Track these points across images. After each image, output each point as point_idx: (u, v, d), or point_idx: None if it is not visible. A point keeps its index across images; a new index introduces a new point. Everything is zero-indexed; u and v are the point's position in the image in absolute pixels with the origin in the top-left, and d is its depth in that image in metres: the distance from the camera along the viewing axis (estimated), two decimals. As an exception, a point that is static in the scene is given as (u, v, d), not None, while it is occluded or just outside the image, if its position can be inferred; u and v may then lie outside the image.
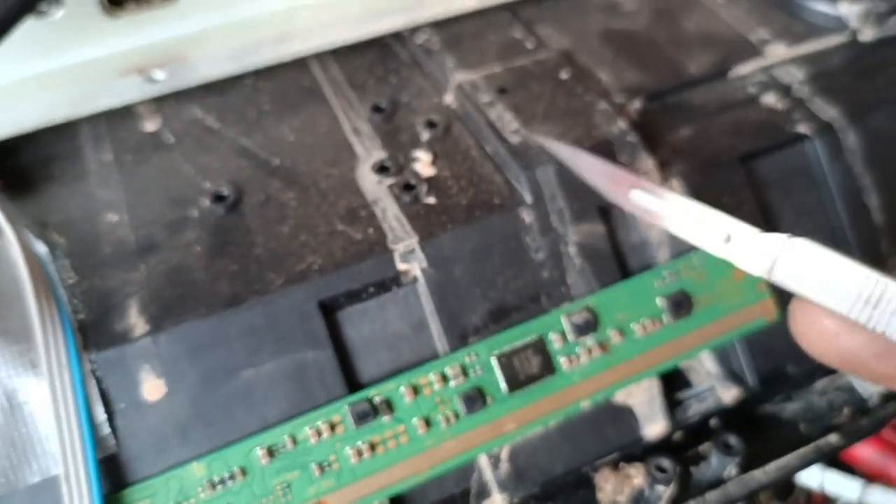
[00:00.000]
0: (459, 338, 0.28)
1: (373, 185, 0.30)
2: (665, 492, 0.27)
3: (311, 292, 0.27)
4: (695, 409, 0.30)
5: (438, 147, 0.31)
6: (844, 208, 0.32)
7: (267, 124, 0.33)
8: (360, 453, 0.26)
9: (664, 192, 0.24)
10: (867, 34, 0.36)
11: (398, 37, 0.37)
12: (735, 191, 0.31)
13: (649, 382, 0.29)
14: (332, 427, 0.26)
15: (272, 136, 0.32)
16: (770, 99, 0.34)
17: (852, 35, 0.36)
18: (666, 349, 0.29)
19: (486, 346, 0.28)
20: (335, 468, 0.26)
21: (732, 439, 0.29)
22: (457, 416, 0.27)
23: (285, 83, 0.35)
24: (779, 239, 0.21)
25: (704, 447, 0.29)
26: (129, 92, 0.34)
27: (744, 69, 0.35)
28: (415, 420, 0.27)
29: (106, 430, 0.25)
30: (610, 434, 0.28)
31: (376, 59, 0.36)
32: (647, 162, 0.30)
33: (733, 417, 0.30)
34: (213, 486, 0.25)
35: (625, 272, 0.29)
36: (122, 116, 0.34)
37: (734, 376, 0.30)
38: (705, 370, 0.30)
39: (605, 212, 0.30)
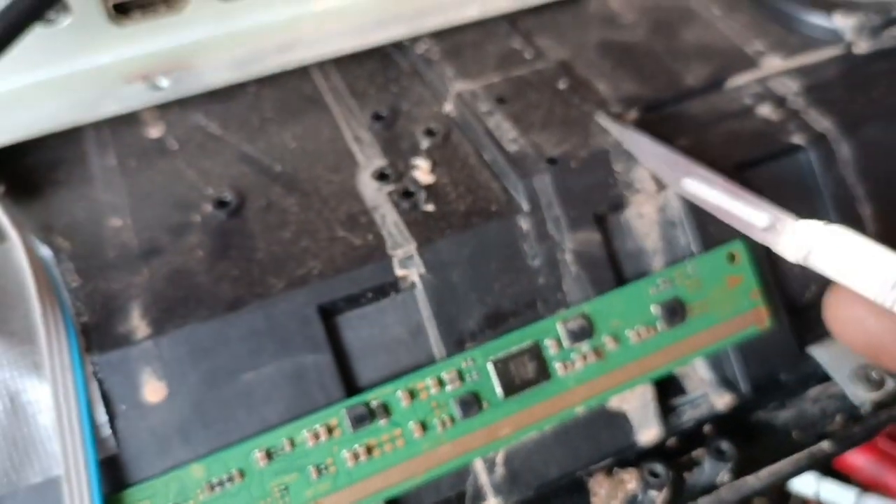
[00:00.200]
0: (456, 343, 0.28)
1: (373, 192, 0.31)
2: (658, 497, 0.28)
3: (311, 296, 0.27)
4: (688, 415, 0.30)
5: (437, 155, 0.32)
6: (838, 217, 0.32)
7: (269, 131, 0.33)
8: (356, 456, 0.26)
9: (716, 178, 0.25)
10: (862, 47, 0.37)
11: (399, 46, 0.37)
12: None
13: (643, 388, 0.29)
14: (330, 430, 0.26)
15: (274, 143, 0.33)
16: (765, 110, 0.34)
17: (847, 48, 0.37)
18: (660, 356, 0.29)
19: (483, 351, 0.28)
20: (332, 471, 0.26)
21: (725, 445, 0.29)
22: (453, 420, 0.27)
23: (287, 91, 0.35)
24: (816, 226, 0.22)
25: (698, 453, 0.30)
26: (133, 99, 0.34)
27: (740, 80, 0.35)
28: (411, 424, 0.27)
29: (107, 431, 0.26)
30: (604, 439, 0.29)
31: (377, 68, 0.36)
32: (642, 172, 0.31)
33: (726, 424, 0.30)
34: (212, 487, 0.26)
35: (620, 279, 0.30)
36: (126, 122, 0.34)
37: (727, 383, 0.30)
38: (699, 377, 0.30)
39: (601, 220, 0.30)
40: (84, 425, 0.25)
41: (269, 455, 0.26)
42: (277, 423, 0.26)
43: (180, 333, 0.26)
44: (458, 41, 0.37)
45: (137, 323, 0.27)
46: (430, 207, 0.30)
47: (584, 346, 0.29)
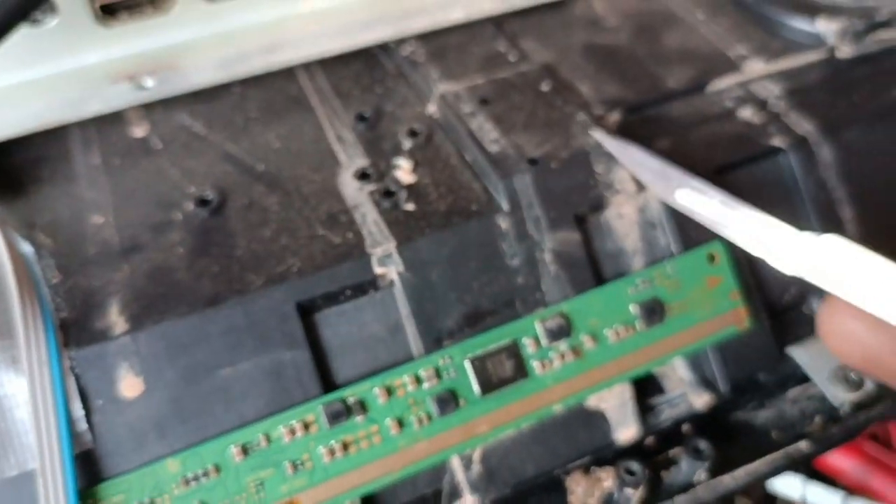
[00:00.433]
0: (434, 341, 0.28)
1: (354, 192, 0.31)
2: (634, 495, 0.28)
3: (290, 293, 0.27)
4: (667, 414, 0.30)
5: (419, 155, 0.32)
6: (818, 220, 0.32)
7: (253, 131, 0.34)
8: (332, 452, 0.26)
9: (710, 190, 0.25)
10: (845, 51, 0.37)
11: (385, 48, 0.37)
12: None
13: (622, 387, 0.29)
14: (306, 426, 0.26)
15: (258, 143, 0.33)
16: (746, 113, 0.34)
17: (830, 52, 0.37)
18: (638, 355, 0.29)
19: (460, 349, 0.28)
20: (308, 467, 0.26)
21: (703, 444, 0.29)
22: (430, 417, 0.27)
23: (272, 91, 0.36)
24: (811, 237, 0.22)
25: (675, 452, 0.30)
26: (118, 98, 0.34)
27: (721, 84, 0.36)
28: (388, 421, 0.27)
29: (83, 425, 0.26)
30: (582, 438, 0.29)
31: (362, 69, 0.37)
32: (623, 173, 0.31)
33: (705, 424, 0.30)
34: (187, 482, 0.26)
35: (599, 279, 0.30)
36: (111, 122, 0.35)
37: (706, 383, 0.30)
38: (678, 376, 0.30)
39: (581, 220, 0.30)
40: (60, 419, 0.25)
41: (245, 450, 0.26)
42: (254, 418, 0.26)
43: (158, 329, 0.26)
44: (443, 43, 0.37)
45: (116, 319, 0.27)
46: (410, 207, 0.30)
47: (563, 345, 0.29)
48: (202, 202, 0.30)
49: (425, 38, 0.37)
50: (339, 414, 0.27)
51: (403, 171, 0.31)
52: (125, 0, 0.35)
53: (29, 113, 0.33)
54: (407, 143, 0.32)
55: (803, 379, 0.32)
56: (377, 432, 0.27)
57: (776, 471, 0.29)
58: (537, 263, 0.29)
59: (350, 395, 0.27)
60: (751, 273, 0.31)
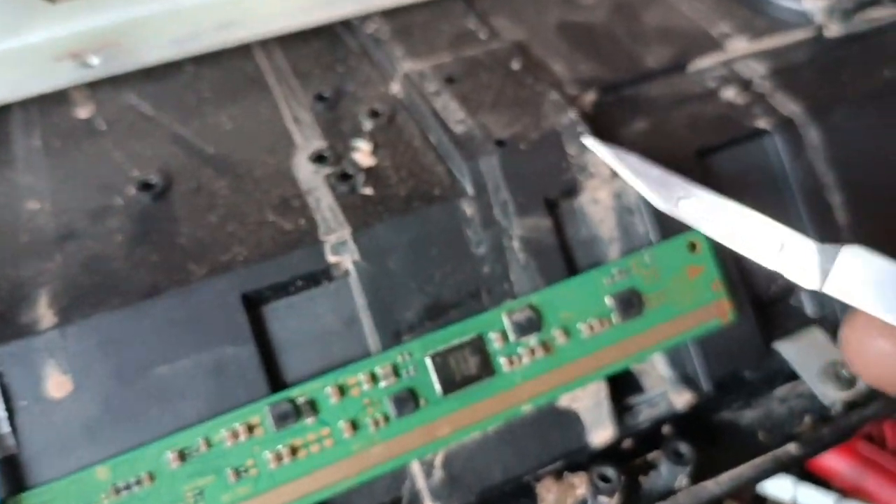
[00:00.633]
0: (392, 335, 0.26)
1: (309, 175, 0.29)
2: (609, 503, 0.26)
3: (235, 284, 0.25)
4: (645, 414, 0.28)
5: (380, 137, 0.30)
6: (806, 207, 0.31)
7: (205, 112, 0.32)
8: (279, 458, 0.24)
9: (717, 199, 0.23)
10: (833, 30, 0.35)
11: (347, 25, 0.35)
12: None
13: (596, 386, 0.27)
14: (251, 429, 0.24)
15: (209, 124, 0.31)
16: (730, 93, 0.32)
17: (817, 31, 0.35)
18: (614, 351, 0.27)
19: (421, 344, 0.26)
20: (252, 473, 0.24)
21: (683, 447, 0.27)
22: (386, 418, 0.25)
23: (227, 70, 0.33)
24: (833, 248, 0.21)
25: (654, 455, 0.28)
26: (62, 77, 0.32)
27: (703, 63, 0.34)
28: (341, 423, 0.25)
29: (6, 428, 0.24)
30: (553, 440, 0.27)
31: (324, 47, 0.35)
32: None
33: (686, 424, 0.29)
34: (118, 491, 0.23)
35: (572, 269, 0.28)
36: (55, 102, 0.32)
37: (687, 380, 0.29)
38: (657, 374, 0.29)
39: (552, 205, 0.28)
40: (-23, 422, 0.22)
41: (183, 456, 0.24)
42: (193, 421, 0.24)
43: (89, 323, 0.24)
44: (409, 20, 0.35)
45: (44, 312, 0.25)
46: (368, 191, 0.28)
47: (532, 340, 0.27)
48: (145, 186, 0.28)
49: (390, 14, 0.35)
50: (287, 415, 0.25)
51: (362, 153, 0.29)
52: (69, -27, 0.33)
53: (-34, 93, 0.31)
54: (367, 124, 0.30)
55: (792, 376, 0.30)
56: (329, 435, 0.25)
57: (763, 475, 0.27)
58: (505, 251, 0.27)
59: (299, 394, 0.25)
60: (735, 262, 0.29)
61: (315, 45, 0.35)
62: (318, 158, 0.29)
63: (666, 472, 0.27)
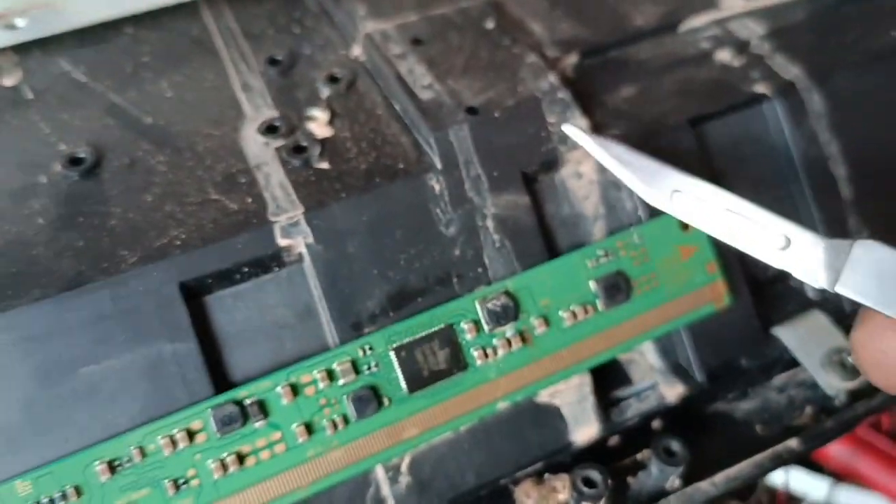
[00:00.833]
0: (352, 327, 0.24)
1: (258, 148, 0.26)
2: (594, 509, 0.23)
3: (171, 272, 0.23)
4: (634, 409, 0.26)
5: (339, 105, 0.27)
6: (808, 179, 0.29)
7: (144, 79, 0.29)
8: (225, 467, 0.22)
9: (717, 192, 0.22)
10: (836, -14, 0.32)
11: (305, -18, 0.32)
12: (683, 158, 0.27)
13: (579, 379, 0.25)
14: (192, 435, 0.22)
15: (148, 92, 0.28)
16: (725, 55, 0.30)
17: (819, -14, 0.32)
18: (599, 340, 0.25)
19: (384, 336, 0.24)
20: (194, 485, 0.22)
21: (675, 445, 0.25)
22: (346, 420, 0.23)
23: (170, 32, 0.30)
24: (845, 244, 0.20)
25: (644, 454, 0.26)
26: (-17, 41, 0.29)
27: (696, 22, 0.31)
28: (294, 426, 0.23)
29: None
30: (532, 439, 0.25)
31: (278, 6, 0.31)
32: (581, 123, 0.26)
33: (678, 419, 0.27)
34: (39, 508, 0.21)
35: (552, 251, 0.26)
36: (-23, 70, 0.29)
37: (679, 371, 0.27)
38: (646, 364, 0.27)
39: (531, 180, 0.26)
40: None
41: (113, 467, 0.22)
42: (126, 427, 0.22)
43: (5, 318, 0.22)
44: (374, -23, 0.32)
45: (-48, 306, 0.22)
46: (324, 165, 0.25)
47: (508, 330, 0.25)
48: (73, 162, 0.26)
49: (352, -30, 0.32)
50: (233, 419, 0.22)
51: (318, 123, 0.26)
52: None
53: None
54: (325, 91, 0.28)
55: (791, 363, 0.28)
56: (280, 440, 0.23)
57: (762, 473, 0.25)
58: (477, 232, 0.25)
59: (247, 395, 0.23)
60: (731, 241, 0.27)
61: (268, 4, 0.31)
62: (269, 129, 0.26)
63: (656, 473, 0.25)
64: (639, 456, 0.26)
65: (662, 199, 0.23)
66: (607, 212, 0.27)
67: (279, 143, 0.26)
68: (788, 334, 0.27)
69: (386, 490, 0.24)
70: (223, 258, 0.23)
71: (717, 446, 0.27)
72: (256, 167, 0.25)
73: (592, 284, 0.25)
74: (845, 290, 0.20)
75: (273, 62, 0.29)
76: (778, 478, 0.50)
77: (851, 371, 0.26)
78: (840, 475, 0.48)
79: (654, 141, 0.27)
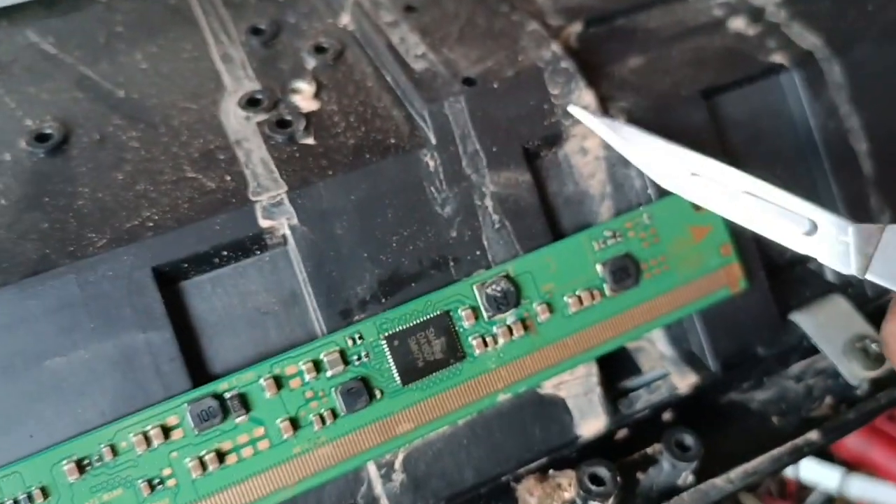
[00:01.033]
0: (340, 314, 0.23)
1: (239, 123, 0.24)
2: (602, 508, 0.22)
3: (144, 256, 0.21)
4: (643, 400, 0.25)
5: (326, 77, 0.26)
6: (827, 154, 0.27)
7: (117, 49, 0.27)
8: (204, 465, 0.21)
9: (737, 175, 0.21)
10: (855, -51, 0.31)
11: (290, -54, 0.30)
12: (695, 133, 0.26)
13: (585, 369, 0.24)
14: (167, 431, 0.21)
15: (121, 64, 0.27)
16: (739, 23, 0.29)
17: (838, -50, 0.31)
18: (606, 327, 0.24)
19: (375, 324, 0.22)
20: (171, 485, 0.21)
21: (688, 439, 0.24)
22: (334, 414, 0.22)
23: (147, 1, 0.29)
24: (875, 228, 0.19)
25: (655, 448, 0.24)
26: (-55, 10, 0.27)
27: (708, -13, 0.29)
28: (278, 421, 0.21)
29: None
30: (535, 434, 0.24)
31: (261, -28, 0.29)
32: (586, 95, 0.25)
33: (690, 410, 0.26)
34: (2, 511, 0.19)
35: (556, 232, 0.25)
36: (-61, 41, 0.27)
37: (692, 359, 0.25)
38: (656, 352, 0.26)
39: (532, 156, 0.25)
40: None
41: (83, 466, 0.20)
42: (96, 423, 0.21)
43: None
44: (364, -59, 0.30)
45: None
46: (309, 140, 0.24)
47: (509, 317, 0.23)
48: (39, 138, 0.24)
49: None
50: (212, 414, 0.21)
51: (303, 96, 0.25)
52: None
53: None
54: (311, 62, 0.26)
55: (810, 351, 0.27)
56: (264, 436, 0.21)
57: (781, 467, 0.24)
58: (475, 212, 0.24)
59: (227, 388, 0.21)
60: (746, 221, 0.25)
61: (252, -30, 0.30)
62: (251, 103, 0.25)
63: (668, 468, 0.24)
64: (649, 450, 0.24)
65: (678, 183, 0.22)
66: (614, 190, 0.25)
67: (261, 117, 0.24)
68: (807, 320, 0.26)
69: (378, 489, 0.22)
70: (200, 241, 0.22)
71: (732, 439, 0.25)
72: (236, 143, 0.23)
73: (599, 268, 0.24)
74: (876, 277, 0.19)
75: (255, 31, 0.28)
76: (788, 468, 0.48)
77: (875, 359, 0.25)
78: (851, 464, 0.47)
79: (663, 114, 0.26)
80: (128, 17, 0.28)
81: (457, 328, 0.23)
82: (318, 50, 0.26)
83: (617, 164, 0.25)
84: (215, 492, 0.21)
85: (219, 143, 0.24)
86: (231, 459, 0.21)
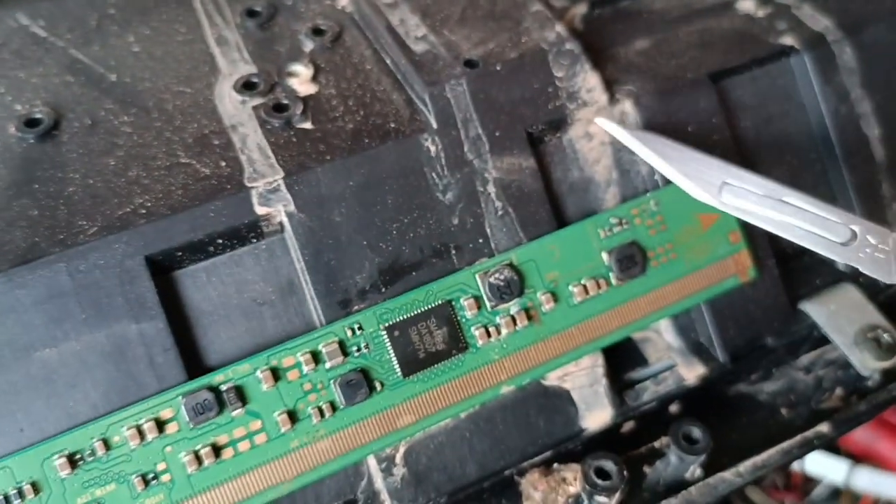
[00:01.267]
0: (339, 304, 0.22)
1: (234, 107, 0.23)
2: None
3: (136, 244, 0.21)
4: (650, 392, 0.25)
5: (323, 59, 0.25)
6: (839, 139, 0.27)
7: (109, 32, 0.26)
8: (199, 460, 0.20)
9: (769, 185, 0.21)
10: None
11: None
12: (702, 117, 0.25)
13: (591, 360, 0.24)
14: (161, 425, 0.20)
15: (113, 47, 0.26)
16: (748, 4, 0.28)
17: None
18: (612, 317, 0.24)
19: (374, 314, 0.22)
20: (165, 480, 0.20)
21: (696, 431, 0.23)
22: (333, 407, 0.21)
23: (139, -17, 0.28)
24: None
25: (662, 441, 0.24)
26: (-67, -7, 0.26)
27: (716, -33, 0.29)
28: (276, 414, 0.21)
29: None
30: (540, 426, 0.23)
31: (259, -47, 0.29)
32: (591, 79, 0.24)
33: (698, 402, 0.25)
34: (-8, 507, 0.19)
35: (560, 219, 0.24)
36: (-73, 25, 0.27)
37: (699, 350, 0.25)
38: (663, 343, 0.25)
39: (536, 141, 0.24)
40: None
41: (74, 461, 0.20)
42: (88, 417, 0.20)
43: None
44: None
45: None
46: (306, 125, 0.23)
47: (513, 307, 0.23)
48: (29, 123, 0.24)
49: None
50: (208, 407, 0.21)
51: (300, 79, 0.24)
52: None
53: None
54: (308, 44, 0.26)
55: (820, 341, 0.26)
56: (261, 430, 0.21)
57: (790, 460, 0.23)
58: (478, 198, 0.23)
59: (223, 380, 0.21)
60: (756, 208, 0.24)
61: (248, -50, 0.29)
62: (246, 86, 0.24)
63: (676, 462, 0.23)
64: (656, 443, 0.24)
65: (711, 194, 0.22)
66: (620, 176, 0.24)
67: (257, 101, 0.24)
68: (818, 309, 0.25)
69: (379, 483, 0.22)
70: (194, 228, 0.21)
71: (741, 432, 0.25)
72: (232, 128, 0.23)
73: (605, 256, 0.23)
74: None
75: (251, 13, 0.27)
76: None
77: (887, 349, 0.24)
78: (858, 456, 0.46)
79: (671, 98, 0.25)
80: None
81: (459, 318, 0.22)
82: (316, 32, 0.26)
83: (623, 149, 0.24)
84: (211, 487, 0.20)
85: (213, 127, 0.23)
86: (227, 454, 0.20)
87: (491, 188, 0.23)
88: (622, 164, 0.24)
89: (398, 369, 0.21)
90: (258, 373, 0.20)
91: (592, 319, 0.23)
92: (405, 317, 0.22)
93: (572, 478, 0.22)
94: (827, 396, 0.25)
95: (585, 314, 0.23)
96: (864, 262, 0.20)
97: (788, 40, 0.27)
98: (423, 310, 0.22)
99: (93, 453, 0.19)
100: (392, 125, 0.23)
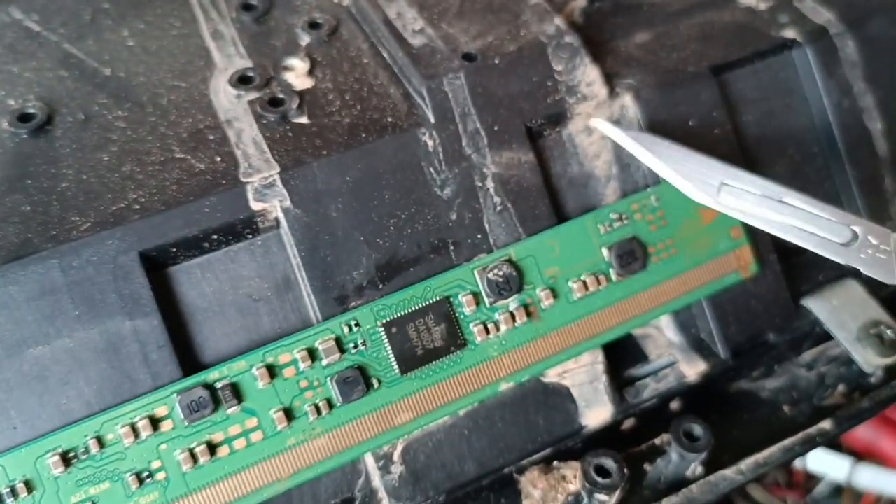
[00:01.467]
0: (336, 300, 0.22)
1: (229, 101, 0.23)
2: (608, 502, 0.21)
3: (130, 240, 0.21)
4: (650, 389, 0.25)
5: (320, 53, 0.25)
6: (841, 134, 0.27)
7: (103, 26, 0.26)
8: (194, 458, 0.20)
9: (769, 186, 0.21)
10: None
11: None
12: (703, 111, 0.25)
13: (591, 356, 0.24)
14: (156, 423, 0.20)
15: (107, 41, 0.26)
16: None
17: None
18: (612, 313, 0.24)
19: (372, 311, 0.21)
20: (160, 478, 0.20)
21: (697, 429, 0.23)
22: (330, 405, 0.21)
23: (134, -23, 0.27)
24: None
25: (662, 439, 0.24)
26: (-75, -13, 0.26)
27: (717, -40, 0.28)
28: (272, 412, 0.21)
29: None
30: (539, 424, 0.23)
31: (253, -54, 0.28)
32: (591, 72, 0.24)
33: (699, 399, 0.25)
34: (-17, 506, 0.19)
35: (560, 214, 0.24)
36: (-79, 20, 0.26)
37: (700, 347, 0.25)
38: (664, 339, 0.25)
39: (535, 135, 0.24)
40: None
41: (68, 459, 0.20)
42: (81, 415, 0.20)
43: None
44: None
45: None
46: (303, 119, 0.23)
47: (511, 303, 0.23)
48: (22, 118, 0.23)
49: None
50: (203, 404, 0.20)
51: (297, 73, 0.24)
52: None
53: None
54: (304, 38, 0.25)
55: (823, 337, 0.26)
56: (256, 428, 0.21)
57: (792, 457, 0.23)
58: (476, 193, 0.23)
59: (218, 377, 0.21)
60: (758, 203, 0.24)
61: (244, -57, 0.29)
62: (242, 81, 0.24)
63: (676, 459, 0.23)
64: (656, 441, 0.24)
65: (709, 195, 0.21)
66: (621, 171, 0.24)
67: (253, 95, 0.23)
68: (821, 305, 0.25)
69: (377, 481, 0.21)
70: (189, 224, 0.21)
71: (742, 429, 0.25)
72: (227, 122, 0.23)
73: (605, 252, 0.23)
74: None
75: (246, 7, 0.27)
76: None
77: (890, 346, 0.24)
78: (860, 454, 0.46)
79: (671, 91, 0.25)
80: (114, -7, 0.27)
81: (457, 315, 0.22)
82: (312, 26, 0.25)
83: (623, 143, 0.24)
84: (206, 485, 0.20)
85: (208, 122, 0.23)
86: (223, 452, 0.20)
87: (489, 183, 0.23)
88: (622, 158, 0.24)
89: (396, 366, 0.21)
90: (254, 370, 0.20)
91: (592, 316, 0.23)
92: (403, 313, 0.21)
93: (572, 476, 0.22)
94: (829, 393, 0.25)
95: (585, 310, 0.23)
96: (865, 263, 0.20)
97: (790, 33, 0.26)
98: (420, 306, 0.21)
99: (87, 451, 0.19)
100: (389, 119, 0.23)
